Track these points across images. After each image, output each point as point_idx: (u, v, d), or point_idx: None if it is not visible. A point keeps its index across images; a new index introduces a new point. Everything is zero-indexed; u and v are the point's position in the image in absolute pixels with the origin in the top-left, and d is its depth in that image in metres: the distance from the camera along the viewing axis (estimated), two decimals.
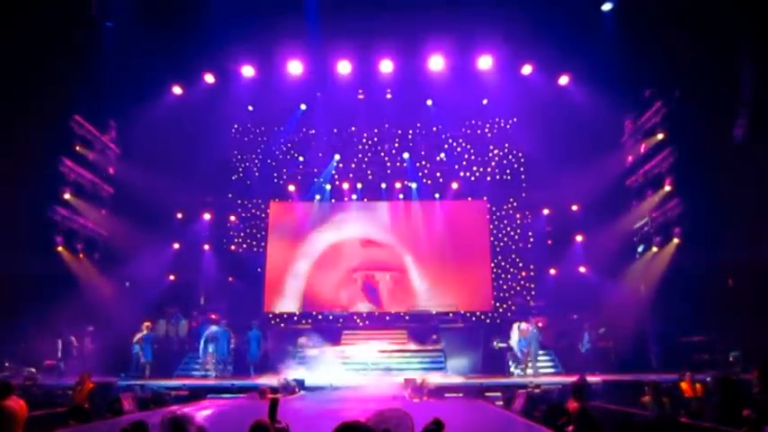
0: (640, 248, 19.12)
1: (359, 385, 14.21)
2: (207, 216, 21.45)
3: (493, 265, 20.83)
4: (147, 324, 16.72)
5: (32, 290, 15.65)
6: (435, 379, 13.71)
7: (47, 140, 16.54)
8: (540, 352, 17.15)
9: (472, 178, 21.67)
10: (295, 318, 20.57)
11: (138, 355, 16.29)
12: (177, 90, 19.25)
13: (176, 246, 20.72)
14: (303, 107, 21.35)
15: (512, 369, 16.93)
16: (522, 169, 21.58)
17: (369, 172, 21.97)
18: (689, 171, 16.68)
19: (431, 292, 20.66)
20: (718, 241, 15.92)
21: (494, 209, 21.41)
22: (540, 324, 17.22)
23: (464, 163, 21.81)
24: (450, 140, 21.94)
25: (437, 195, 21.66)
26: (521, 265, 20.92)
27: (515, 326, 17.15)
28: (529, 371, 16.21)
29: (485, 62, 18.75)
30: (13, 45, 14.38)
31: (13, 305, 14.99)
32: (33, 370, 14.41)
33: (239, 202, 21.85)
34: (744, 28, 14.15)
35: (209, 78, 19.18)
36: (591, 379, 12.30)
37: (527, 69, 18.86)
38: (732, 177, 15.25)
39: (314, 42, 17.65)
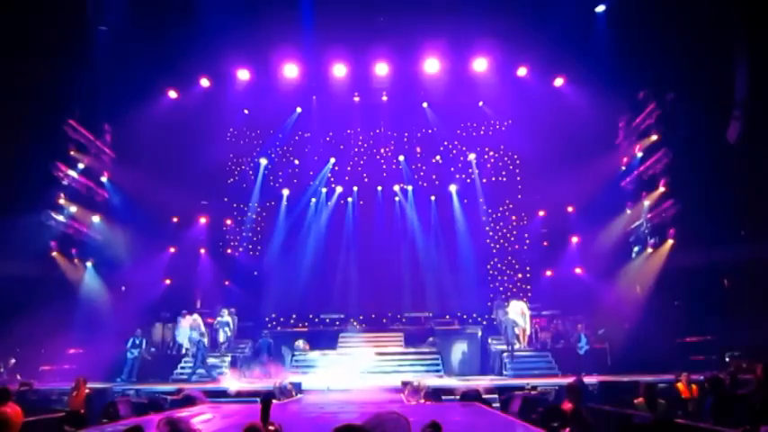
0: (635, 249, 19.17)
1: (355, 388, 14.17)
2: (203, 220, 21.43)
3: (489, 266, 20.85)
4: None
5: (27, 294, 15.58)
6: (432, 381, 13.68)
7: (41, 145, 16.48)
8: (541, 353, 17.18)
9: (468, 180, 21.71)
10: (291, 321, 20.54)
11: (135, 360, 16.35)
12: (172, 94, 19.24)
13: (172, 250, 20.69)
14: (299, 110, 21.35)
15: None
16: (517, 171, 21.65)
17: (364, 175, 21.99)
18: (683, 172, 16.75)
19: (427, 295, 20.65)
20: (713, 242, 15.98)
21: (489, 211, 21.44)
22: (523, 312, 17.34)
23: (459, 165, 21.85)
24: (446, 143, 21.98)
25: (433, 198, 21.68)
26: (516, 266, 20.97)
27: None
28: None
29: (480, 64, 18.81)
30: (7, 48, 14.35)
31: (7, 309, 14.90)
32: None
33: (235, 205, 21.83)
34: (737, 29, 14.24)
35: (205, 82, 19.19)
36: (587, 380, 12.30)
37: (522, 71, 18.94)
38: (726, 178, 15.32)
39: (309, 45, 17.67)
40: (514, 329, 16.68)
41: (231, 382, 14.66)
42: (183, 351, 17.96)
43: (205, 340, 16.99)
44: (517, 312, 17.24)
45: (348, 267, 21.16)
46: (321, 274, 21.02)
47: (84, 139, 18.31)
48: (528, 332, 17.45)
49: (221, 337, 17.72)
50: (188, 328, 17.24)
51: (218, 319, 17.84)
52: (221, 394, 13.00)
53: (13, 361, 15.66)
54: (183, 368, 16.97)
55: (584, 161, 18.69)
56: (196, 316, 17.43)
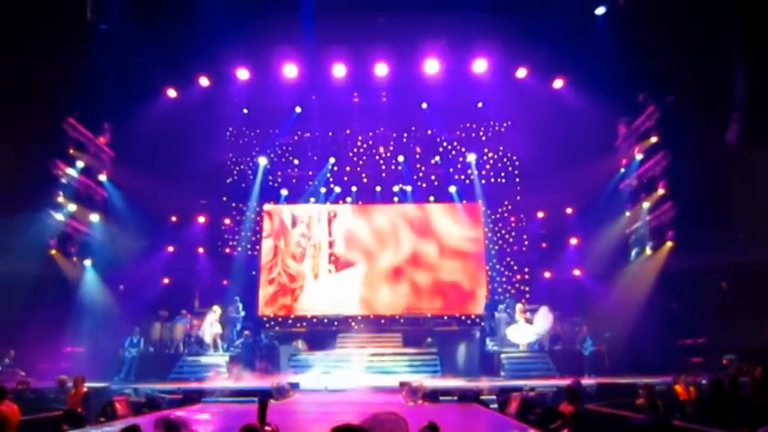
0: (634, 251, 19.18)
1: (353, 388, 14.17)
2: (201, 219, 21.43)
3: (488, 267, 20.84)
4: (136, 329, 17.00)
5: (25, 292, 15.56)
6: (430, 382, 13.68)
7: (40, 143, 16.45)
8: (539, 355, 17.20)
9: (467, 181, 21.72)
10: (290, 321, 20.54)
11: (133, 359, 16.38)
12: (172, 93, 19.24)
13: (171, 249, 20.69)
14: (298, 110, 21.35)
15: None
16: (516, 172, 21.64)
17: (363, 175, 21.97)
18: (682, 174, 16.76)
19: (426, 295, 20.66)
20: (712, 244, 15.99)
21: (488, 212, 21.44)
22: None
23: (459, 166, 21.85)
24: (445, 143, 21.98)
25: (432, 198, 21.69)
26: (515, 267, 20.95)
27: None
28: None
29: (479, 65, 18.82)
30: (7, 46, 14.32)
31: (6, 308, 14.89)
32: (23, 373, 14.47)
33: (234, 204, 21.82)
34: (737, 30, 14.24)
35: (204, 81, 19.18)
36: (585, 382, 12.31)
37: (521, 73, 18.95)
38: (725, 180, 15.33)
39: (309, 45, 17.68)
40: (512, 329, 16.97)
41: (222, 382, 14.71)
42: (176, 350, 17.99)
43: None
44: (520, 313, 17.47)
45: (347, 267, 21.13)
46: (320, 274, 21.02)
47: (84, 137, 18.31)
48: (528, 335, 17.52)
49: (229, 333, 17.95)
50: (210, 324, 17.43)
51: (230, 314, 18.04)
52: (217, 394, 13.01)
53: (12, 353, 15.66)
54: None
55: (584, 163, 18.70)
56: (216, 308, 17.57)
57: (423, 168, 21.98)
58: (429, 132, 21.95)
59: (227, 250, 21.48)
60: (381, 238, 21.28)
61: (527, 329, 17.27)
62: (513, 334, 17.31)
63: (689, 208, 16.47)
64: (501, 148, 21.84)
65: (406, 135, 22.08)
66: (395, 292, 20.75)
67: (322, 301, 20.67)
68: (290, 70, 19.04)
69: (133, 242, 18.95)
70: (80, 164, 18.07)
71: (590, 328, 17.21)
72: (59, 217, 17.17)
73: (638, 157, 18.77)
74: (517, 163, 21.65)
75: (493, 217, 21.44)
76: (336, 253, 21.19)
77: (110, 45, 16.12)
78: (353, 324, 20.30)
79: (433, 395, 11.83)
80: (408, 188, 21.62)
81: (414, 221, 21.40)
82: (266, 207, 21.68)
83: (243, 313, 18.82)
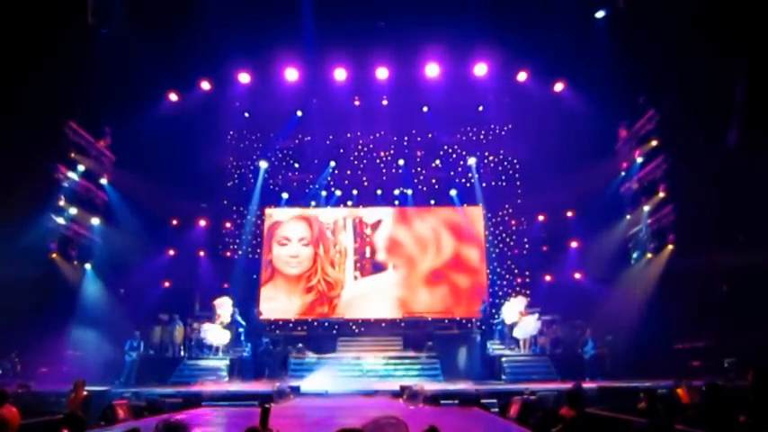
0: (635, 255, 19.17)
1: (354, 392, 14.15)
2: (202, 222, 21.45)
3: (488, 271, 20.84)
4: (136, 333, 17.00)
5: (26, 296, 15.56)
6: (430, 386, 13.66)
7: (41, 147, 16.48)
8: (539, 358, 17.18)
9: (467, 185, 21.73)
10: (290, 324, 20.51)
11: (133, 363, 16.36)
12: (173, 97, 19.31)
13: (171, 252, 20.70)
14: (299, 114, 21.39)
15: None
16: (517, 176, 21.65)
17: (364, 178, 21.99)
18: (683, 177, 16.76)
19: (426, 299, 20.64)
20: (713, 247, 15.98)
21: (489, 215, 21.44)
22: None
23: (459, 169, 21.86)
24: (446, 147, 22.00)
25: (432, 202, 21.69)
26: (516, 271, 20.94)
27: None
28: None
29: (480, 69, 18.87)
30: (9, 50, 14.36)
31: (7, 311, 14.89)
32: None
33: (234, 208, 21.83)
34: (737, 35, 14.27)
35: (206, 85, 19.25)
36: (586, 385, 12.28)
37: (522, 76, 18.99)
38: (725, 183, 15.32)
39: (310, 49, 17.72)
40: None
41: (222, 385, 14.71)
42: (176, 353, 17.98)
43: None
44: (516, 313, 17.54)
45: (347, 270, 21.13)
46: (320, 276, 21.01)
47: (85, 141, 18.35)
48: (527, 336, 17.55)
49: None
50: (215, 331, 17.51)
51: (237, 317, 18.21)
52: (220, 397, 12.99)
53: (17, 360, 15.68)
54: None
55: (584, 166, 18.72)
56: (219, 303, 17.88)
57: (423, 172, 22.00)
58: (430, 136, 21.98)
59: (228, 254, 21.48)
60: (381, 241, 21.24)
61: (529, 320, 17.26)
62: (519, 331, 17.31)
63: (689, 211, 16.47)
64: (501, 152, 21.86)
65: (406, 138, 22.11)
66: (432, 296, 20.66)
67: (352, 308, 20.62)
68: (292, 74, 19.10)
69: (134, 245, 18.96)
70: (81, 167, 18.10)
71: (593, 331, 17.17)
72: (60, 220, 17.19)
73: (639, 160, 18.79)
74: (518, 166, 21.67)
75: (493, 220, 21.44)
76: (366, 258, 21.13)
77: (111, 49, 16.17)
78: (354, 328, 20.29)
79: (433, 399, 11.81)
80: (409, 191, 21.64)
81: (414, 224, 21.35)
82: (303, 213, 21.61)
83: (244, 323, 18.74)
